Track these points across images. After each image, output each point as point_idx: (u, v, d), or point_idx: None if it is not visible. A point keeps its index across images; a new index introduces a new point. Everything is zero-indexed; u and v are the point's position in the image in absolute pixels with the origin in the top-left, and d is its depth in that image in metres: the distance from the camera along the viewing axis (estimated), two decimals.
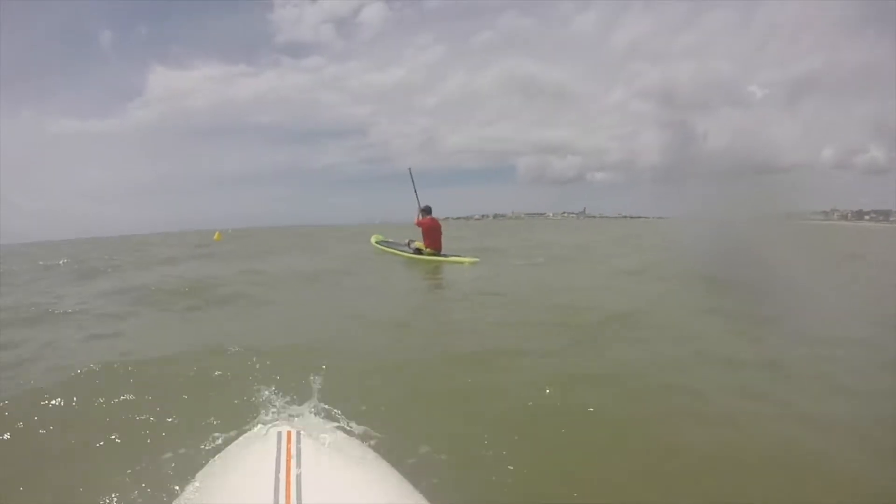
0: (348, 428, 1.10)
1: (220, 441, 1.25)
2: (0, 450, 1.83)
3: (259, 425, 0.92)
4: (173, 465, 1.42)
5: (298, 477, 0.73)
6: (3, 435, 1.88)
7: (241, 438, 0.92)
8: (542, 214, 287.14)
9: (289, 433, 0.90)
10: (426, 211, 8.98)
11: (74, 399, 2.19)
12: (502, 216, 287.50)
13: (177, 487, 0.87)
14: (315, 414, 1.43)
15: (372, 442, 1.01)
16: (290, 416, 1.30)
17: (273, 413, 1.52)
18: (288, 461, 0.79)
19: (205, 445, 1.41)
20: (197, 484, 0.85)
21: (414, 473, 0.89)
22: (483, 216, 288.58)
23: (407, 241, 9.50)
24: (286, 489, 0.70)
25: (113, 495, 1.36)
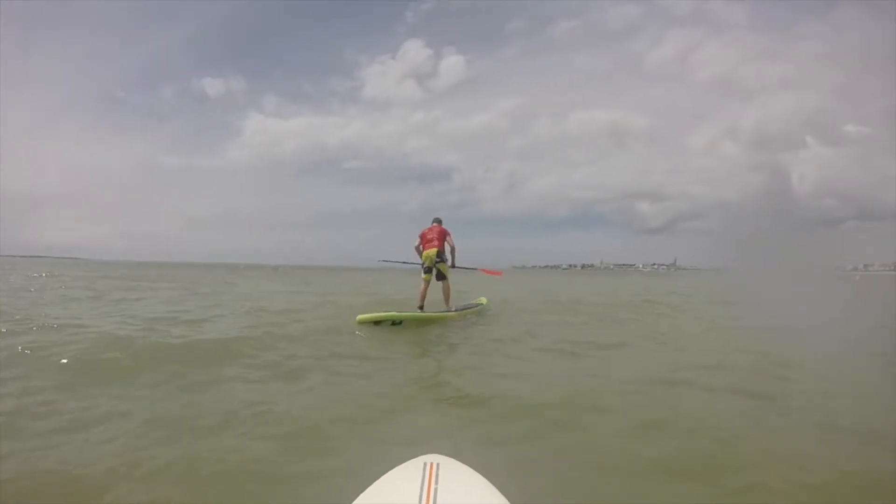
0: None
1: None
2: None
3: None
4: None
5: (436, 490, 1.00)
6: None
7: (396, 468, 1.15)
8: (631, 265, 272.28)
9: (432, 463, 1.09)
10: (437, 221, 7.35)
11: None
12: (590, 266, 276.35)
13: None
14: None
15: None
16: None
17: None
18: (430, 481, 1.04)
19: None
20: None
21: None
22: (571, 266, 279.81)
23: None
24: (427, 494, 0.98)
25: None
